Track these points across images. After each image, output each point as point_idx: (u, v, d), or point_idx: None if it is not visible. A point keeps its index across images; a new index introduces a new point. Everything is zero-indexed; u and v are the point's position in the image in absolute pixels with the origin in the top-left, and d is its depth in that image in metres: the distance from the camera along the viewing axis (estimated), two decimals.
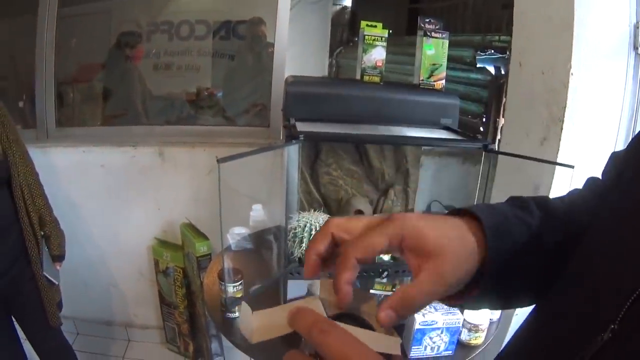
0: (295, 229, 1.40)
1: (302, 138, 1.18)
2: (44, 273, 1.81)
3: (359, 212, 1.59)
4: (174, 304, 2.44)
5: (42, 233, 1.86)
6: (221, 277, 1.42)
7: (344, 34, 3.15)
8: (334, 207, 1.63)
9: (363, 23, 1.66)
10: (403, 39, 2.43)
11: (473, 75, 2.10)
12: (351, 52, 2.30)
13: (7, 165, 1.73)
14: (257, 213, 1.63)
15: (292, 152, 1.34)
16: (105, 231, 2.48)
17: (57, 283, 1.91)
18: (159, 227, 2.45)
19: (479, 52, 2.08)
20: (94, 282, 2.55)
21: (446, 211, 1.87)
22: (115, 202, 2.43)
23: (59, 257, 1.93)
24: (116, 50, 2.95)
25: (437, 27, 1.65)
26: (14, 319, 1.87)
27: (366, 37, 1.64)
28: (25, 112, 2.70)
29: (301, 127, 1.35)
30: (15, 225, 1.77)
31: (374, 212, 1.62)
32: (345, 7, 3.24)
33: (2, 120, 1.76)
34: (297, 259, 1.39)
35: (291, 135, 1.21)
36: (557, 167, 1.47)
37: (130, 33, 2.95)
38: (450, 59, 1.69)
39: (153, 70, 2.95)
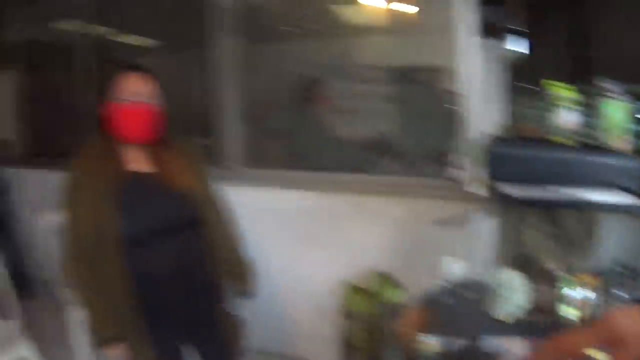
0: (493, 286, 1.44)
1: (517, 205, 1.23)
2: (230, 309, 1.91)
3: (547, 271, 1.60)
4: (358, 348, 2.42)
5: (231, 269, 1.91)
6: (418, 329, 1.47)
7: (520, 81, 3.08)
8: (522, 264, 1.64)
9: (548, 83, 1.64)
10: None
11: None
12: (527, 102, 2.19)
13: (196, 203, 1.80)
14: (455, 267, 1.65)
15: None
16: (291, 271, 2.61)
17: (243, 318, 1.98)
18: (349, 272, 2.45)
19: None
20: (275, 317, 2.68)
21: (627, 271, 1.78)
22: (303, 246, 2.56)
23: (246, 293, 1.97)
24: (298, 92, 3.11)
25: (616, 89, 1.61)
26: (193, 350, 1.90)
27: (553, 97, 1.62)
28: (210, 150, 2.94)
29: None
30: (205, 261, 1.83)
31: (563, 271, 1.62)
32: (520, 54, 3.16)
33: (194, 158, 1.87)
34: (495, 318, 1.42)
35: (503, 200, 1.26)
36: None
37: (312, 75, 3.10)
38: None
39: (332, 113, 3.06)
